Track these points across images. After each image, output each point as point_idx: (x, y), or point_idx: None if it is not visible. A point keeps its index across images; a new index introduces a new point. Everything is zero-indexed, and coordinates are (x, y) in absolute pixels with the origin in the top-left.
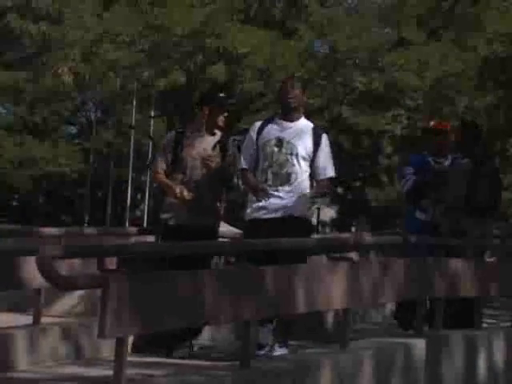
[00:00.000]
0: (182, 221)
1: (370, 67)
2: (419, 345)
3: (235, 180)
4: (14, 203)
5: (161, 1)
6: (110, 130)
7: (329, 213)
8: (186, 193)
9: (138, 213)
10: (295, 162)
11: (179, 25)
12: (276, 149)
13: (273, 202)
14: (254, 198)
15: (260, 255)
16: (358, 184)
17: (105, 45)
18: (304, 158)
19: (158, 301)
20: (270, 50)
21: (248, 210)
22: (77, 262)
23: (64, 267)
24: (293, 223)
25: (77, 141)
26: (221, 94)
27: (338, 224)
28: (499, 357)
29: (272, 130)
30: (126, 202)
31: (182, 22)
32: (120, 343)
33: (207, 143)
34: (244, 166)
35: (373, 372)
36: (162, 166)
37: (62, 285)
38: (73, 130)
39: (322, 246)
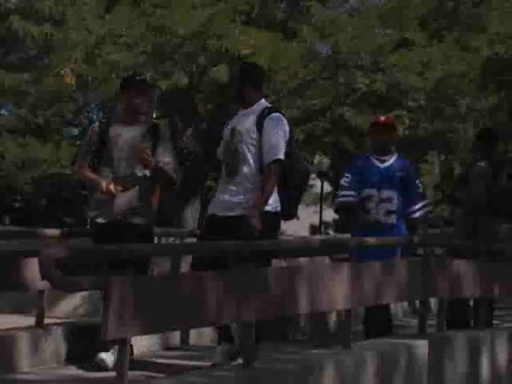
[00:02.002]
0: (111, 218)
1: (372, 68)
2: (422, 345)
3: (173, 176)
4: (17, 205)
5: (163, 2)
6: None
7: (331, 213)
8: (112, 186)
9: None
10: (244, 149)
11: (181, 26)
12: (229, 139)
13: (226, 197)
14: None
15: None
16: None
17: (107, 46)
18: (251, 144)
19: (160, 302)
20: (272, 51)
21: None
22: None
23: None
24: (246, 222)
25: (79, 142)
26: (138, 77)
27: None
28: (503, 357)
29: (232, 123)
30: None
31: (183, 23)
32: (122, 344)
33: (134, 132)
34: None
35: (375, 373)
36: (86, 159)
37: (63, 286)
38: (75, 131)
39: (325, 247)
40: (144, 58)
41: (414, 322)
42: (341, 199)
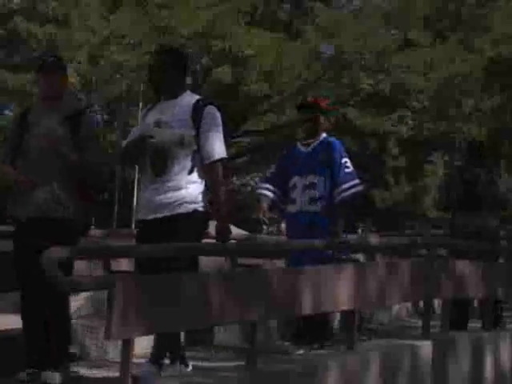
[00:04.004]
0: (29, 213)
1: (376, 69)
2: (426, 347)
3: (99, 171)
4: None
5: (167, 3)
6: (117, 132)
7: None
8: (21, 178)
9: None
10: (174, 145)
11: (185, 26)
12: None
13: (151, 198)
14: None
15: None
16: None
17: (111, 47)
18: (185, 139)
19: (164, 302)
20: (276, 51)
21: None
22: (83, 263)
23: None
24: (175, 223)
25: None
26: (49, 58)
27: (344, 225)
28: (506, 359)
29: (153, 114)
30: (132, 202)
31: (187, 23)
32: (126, 345)
33: (51, 119)
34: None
35: (380, 373)
36: (6, 152)
37: (67, 286)
38: None
39: (329, 248)
40: (148, 59)
41: (418, 322)
42: (256, 191)
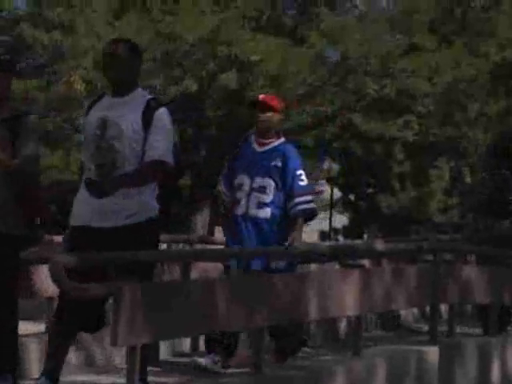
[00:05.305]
0: None
1: (381, 73)
2: (432, 352)
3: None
4: None
5: (172, 9)
6: None
7: (342, 219)
8: None
9: None
10: (122, 146)
11: (190, 32)
12: (98, 132)
13: (100, 204)
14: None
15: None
16: (369, 191)
17: None
18: (134, 140)
19: (170, 309)
20: (282, 57)
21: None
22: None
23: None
24: (127, 234)
25: None
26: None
27: (350, 231)
28: None
29: (98, 110)
30: None
31: (192, 29)
32: (132, 351)
33: None
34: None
35: (386, 379)
36: None
37: (75, 293)
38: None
39: (335, 253)
40: (153, 65)
41: (425, 327)
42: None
